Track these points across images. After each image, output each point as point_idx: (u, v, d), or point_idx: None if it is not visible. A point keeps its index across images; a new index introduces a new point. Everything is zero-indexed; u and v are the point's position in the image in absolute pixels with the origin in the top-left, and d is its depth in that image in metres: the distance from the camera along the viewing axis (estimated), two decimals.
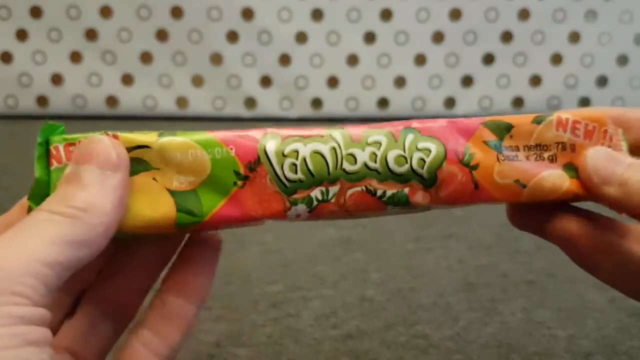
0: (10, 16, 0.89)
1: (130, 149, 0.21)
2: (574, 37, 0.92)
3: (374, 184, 0.22)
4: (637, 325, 0.39)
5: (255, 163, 0.21)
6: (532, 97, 0.93)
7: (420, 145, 0.22)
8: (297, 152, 0.21)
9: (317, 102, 0.93)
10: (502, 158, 0.23)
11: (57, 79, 0.91)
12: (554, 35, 0.92)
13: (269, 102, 0.92)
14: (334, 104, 0.93)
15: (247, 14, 0.90)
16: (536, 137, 0.23)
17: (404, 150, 0.22)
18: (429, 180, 0.22)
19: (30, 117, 0.91)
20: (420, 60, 0.92)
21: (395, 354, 0.36)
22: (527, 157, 0.23)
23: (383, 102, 0.93)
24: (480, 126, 0.23)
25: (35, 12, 0.89)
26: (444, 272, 0.46)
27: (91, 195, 0.19)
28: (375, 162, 0.22)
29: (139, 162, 0.21)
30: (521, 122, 0.23)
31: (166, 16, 0.89)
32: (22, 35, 0.90)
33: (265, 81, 0.92)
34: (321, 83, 0.92)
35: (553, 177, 0.23)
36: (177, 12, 0.89)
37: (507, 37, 0.92)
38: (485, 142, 0.23)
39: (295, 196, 0.22)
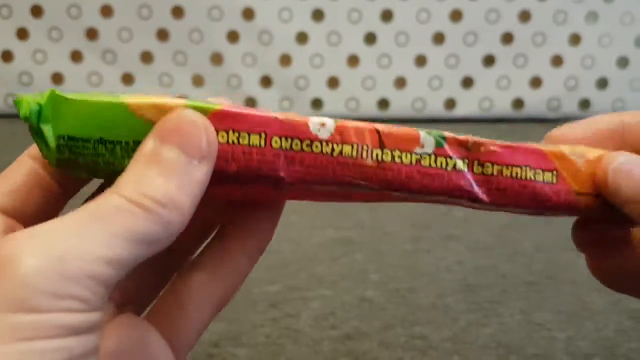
0: (10, 15, 0.89)
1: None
2: (575, 39, 0.92)
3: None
4: (636, 328, 0.39)
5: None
6: (533, 99, 0.93)
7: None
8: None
9: (317, 103, 0.93)
10: None
11: (57, 78, 0.91)
12: (554, 37, 0.92)
13: (269, 102, 0.92)
14: (334, 104, 0.93)
15: (248, 14, 0.90)
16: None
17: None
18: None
19: None
20: (420, 61, 0.92)
21: (394, 354, 0.36)
22: None
23: (383, 103, 0.93)
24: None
25: (36, 11, 0.89)
26: (443, 273, 0.46)
27: (173, 187, 0.17)
28: None
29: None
30: None
31: (167, 16, 0.89)
32: (22, 34, 0.90)
33: (266, 81, 0.92)
34: (321, 83, 0.92)
35: None
36: (177, 12, 0.89)
37: (507, 38, 0.92)
38: None
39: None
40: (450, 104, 0.93)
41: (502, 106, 0.93)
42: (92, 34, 0.90)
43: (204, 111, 0.19)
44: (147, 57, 0.91)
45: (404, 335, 0.38)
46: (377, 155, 0.20)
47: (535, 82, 0.93)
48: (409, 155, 0.20)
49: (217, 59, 0.91)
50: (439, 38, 0.91)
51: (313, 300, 0.42)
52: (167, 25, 0.90)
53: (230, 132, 0.19)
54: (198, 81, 0.92)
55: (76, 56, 0.90)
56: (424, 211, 0.55)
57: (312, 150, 0.20)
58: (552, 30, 0.91)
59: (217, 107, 0.19)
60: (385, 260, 0.48)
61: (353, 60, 0.92)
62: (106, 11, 0.89)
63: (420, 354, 0.36)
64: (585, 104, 0.94)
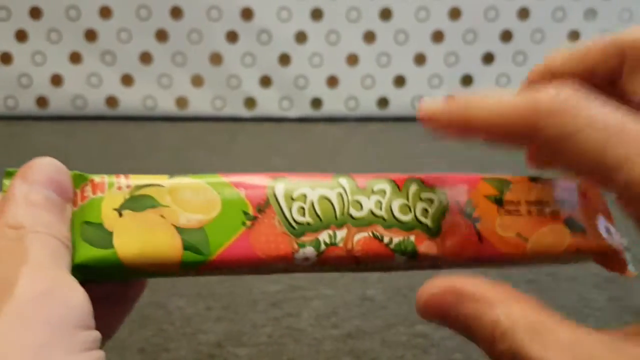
0: (9, 17, 0.89)
1: (140, 187, 0.21)
2: (574, 36, 0.92)
3: (380, 229, 0.22)
4: None
5: (265, 205, 0.21)
6: None
7: (424, 195, 0.23)
8: (305, 195, 0.22)
9: (316, 102, 0.93)
10: (503, 212, 0.23)
11: (56, 80, 0.91)
12: (553, 34, 0.92)
13: (268, 102, 0.93)
14: (333, 103, 0.93)
15: (247, 13, 0.90)
16: (536, 193, 0.23)
17: (408, 200, 0.23)
18: (434, 229, 0.23)
19: (30, 118, 0.91)
20: (420, 59, 0.92)
21: (395, 353, 0.36)
22: (529, 212, 0.23)
23: (383, 102, 0.93)
24: (481, 181, 0.23)
25: (35, 12, 0.89)
26: (444, 271, 0.46)
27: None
28: (381, 209, 0.22)
29: (147, 198, 0.21)
30: (519, 180, 0.24)
31: (166, 16, 0.89)
32: (21, 36, 0.90)
33: (265, 81, 0.92)
34: (321, 83, 0.92)
35: (555, 232, 0.23)
36: (176, 13, 0.89)
37: (506, 36, 0.92)
38: (486, 196, 0.23)
39: (303, 238, 0.21)
40: None
41: None
42: (91, 35, 0.90)
43: (201, 259, 0.21)
44: (146, 58, 0.91)
45: (405, 333, 0.38)
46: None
47: None
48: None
49: (216, 59, 0.91)
50: (438, 36, 0.91)
51: (314, 299, 0.42)
52: (166, 26, 0.90)
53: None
54: (197, 81, 0.92)
55: (75, 57, 0.90)
56: None
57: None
58: (551, 28, 0.91)
59: (218, 251, 0.21)
60: None
61: (352, 59, 0.92)
62: (105, 12, 0.89)
63: (422, 352, 0.36)
64: None
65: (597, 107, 0.17)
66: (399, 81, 0.93)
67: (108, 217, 0.20)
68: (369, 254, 0.22)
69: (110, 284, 0.24)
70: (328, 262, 0.22)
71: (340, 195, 0.22)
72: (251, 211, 0.21)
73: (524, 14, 0.91)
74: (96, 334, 0.17)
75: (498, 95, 0.19)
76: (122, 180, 0.21)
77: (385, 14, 0.90)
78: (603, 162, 0.17)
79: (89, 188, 0.21)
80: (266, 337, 0.37)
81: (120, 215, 0.20)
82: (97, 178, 0.21)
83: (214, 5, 0.89)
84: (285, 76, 0.92)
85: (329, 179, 0.22)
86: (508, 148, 0.21)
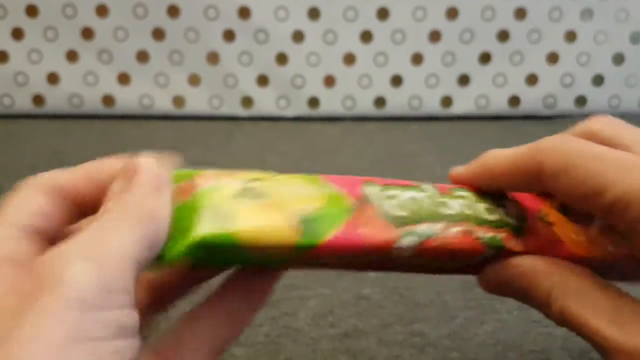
0: (5, 15, 0.89)
1: (249, 180, 0.22)
2: (570, 36, 0.92)
3: (471, 226, 0.24)
4: None
5: (363, 200, 0.23)
6: (529, 96, 0.93)
7: (502, 202, 0.25)
8: (397, 195, 0.23)
9: (313, 101, 0.93)
10: (573, 219, 0.25)
11: (53, 78, 0.91)
12: (550, 34, 0.92)
13: (265, 101, 0.92)
14: (330, 103, 0.93)
15: (244, 12, 0.90)
16: None
17: (490, 204, 0.24)
18: (519, 227, 0.24)
19: (26, 117, 0.91)
20: (416, 59, 0.92)
21: (392, 352, 0.36)
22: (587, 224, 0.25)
23: (380, 101, 0.93)
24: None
25: (31, 10, 0.89)
26: None
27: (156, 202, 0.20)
28: (469, 209, 0.24)
29: (256, 190, 0.22)
30: None
31: (162, 15, 0.89)
32: (17, 34, 0.89)
33: (262, 80, 0.92)
34: (318, 82, 0.92)
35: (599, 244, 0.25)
36: (173, 11, 0.89)
37: (503, 36, 0.92)
38: (554, 207, 0.25)
39: (405, 228, 0.22)
40: (447, 101, 0.93)
41: (499, 103, 0.93)
42: (87, 33, 0.89)
43: (314, 242, 0.21)
44: (143, 57, 0.91)
45: (402, 332, 0.38)
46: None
47: (531, 80, 0.93)
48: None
49: (213, 58, 0.91)
50: (435, 36, 0.92)
51: (311, 298, 0.42)
52: (163, 25, 0.90)
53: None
54: (194, 80, 0.92)
55: (72, 56, 0.90)
56: None
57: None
58: (548, 27, 0.92)
59: (328, 237, 0.22)
60: None
61: (349, 59, 0.92)
62: (101, 11, 0.89)
63: (419, 351, 0.36)
64: (581, 100, 0.94)
65: (587, 145, 0.21)
66: (396, 81, 0.93)
67: (222, 203, 0.21)
68: (464, 248, 0.23)
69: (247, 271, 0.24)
70: (425, 253, 0.23)
71: (429, 197, 0.24)
72: (352, 205, 0.22)
73: (520, 13, 0.91)
74: (135, 316, 0.17)
75: (511, 149, 0.23)
76: (229, 176, 0.22)
77: (383, 14, 0.90)
78: (592, 187, 0.20)
79: (200, 180, 0.22)
80: (263, 337, 0.37)
81: (234, 202, 0.21)
82: (208, 172, 0.22)
83: (211, 4, 0.89)
84: (282, 75, 0.92)
85: (414, 185, 0.24)
86: (527, 192, 0.25)
